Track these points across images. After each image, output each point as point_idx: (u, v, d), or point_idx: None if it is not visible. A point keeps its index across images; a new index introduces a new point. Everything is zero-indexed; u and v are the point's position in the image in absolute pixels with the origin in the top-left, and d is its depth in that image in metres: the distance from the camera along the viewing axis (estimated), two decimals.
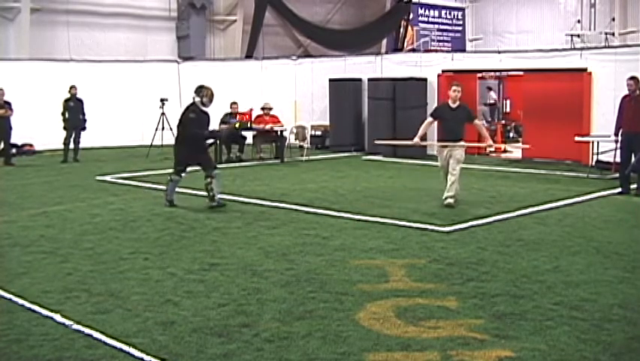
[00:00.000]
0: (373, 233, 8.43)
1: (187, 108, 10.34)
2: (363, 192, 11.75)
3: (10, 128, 15.71)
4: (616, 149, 12.18)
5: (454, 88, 10.49)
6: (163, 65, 21.04)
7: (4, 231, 8.70)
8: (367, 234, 8.39)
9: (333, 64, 19.96)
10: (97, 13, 21.44)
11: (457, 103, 10.39)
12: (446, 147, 10.44)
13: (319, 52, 23.89)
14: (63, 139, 16.29)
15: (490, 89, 20.38)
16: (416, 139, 10.77)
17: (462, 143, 10.46)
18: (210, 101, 10.22)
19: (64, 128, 16.23)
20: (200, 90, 10.20)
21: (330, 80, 18.95)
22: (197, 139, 10.23)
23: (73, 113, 16.20)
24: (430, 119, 10.85)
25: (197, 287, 6.25)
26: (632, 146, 11.38)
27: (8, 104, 15.58)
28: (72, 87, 16.37)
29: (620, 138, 11.62)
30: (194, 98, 10.23)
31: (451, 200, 10.19)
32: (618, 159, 12.09)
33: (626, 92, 11.63)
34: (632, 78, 11.46)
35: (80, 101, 16.36)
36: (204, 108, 10.20)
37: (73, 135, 16.29)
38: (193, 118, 10.09)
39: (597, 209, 10.05)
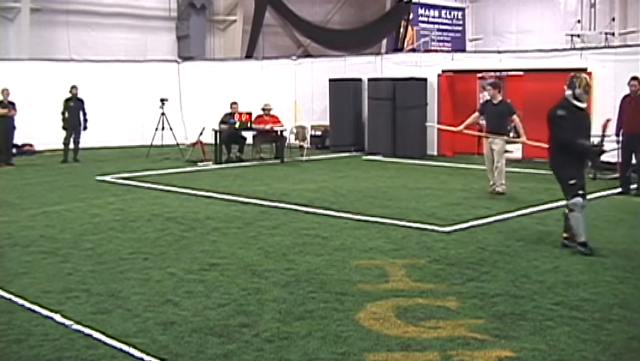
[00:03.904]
0: (373, 233, 8.43)
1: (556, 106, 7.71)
2: (363, 192, 11.75)
3: (14, 127, 15.81)
4: (617, 149, 12.16)
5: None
6: (163, 65, 21.04)
7: (4, 231, 8.70)
8: (367, 234, 8.39)
9: (333, 64, 19.95)
10: (97, 13, 21.43)
11: (499, 99, 11.77)
12: (487, 137, 11.68)
13: (319, 52, 23.87)
14: (63, 139, 16.31)
15: (484, 88, 20.35)
16: (461, 127, 12.18)
17: (504, 136, 11.75)
18: (585, 92, 7.59)
19: (64, 128, 16.25)
20: (572, 81, 7.66)
21: (330, 80, 18.94)
22: (563, 147, 7.56)
23: (73, 113, 16.24)
24: (476, 113, 12.11)
25: (197, 287, 6.25)
26: (632, 146, 11.37)
27: (12, 104, 15.69)
28: (73, 87, 16.42)
29: (620, 138, 11.61)
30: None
31: (498, 188, 11.41)
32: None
33: (627, 92, 11.62)
34: (635, 78, 11.44)
35: (81, 101, 16.39)
36: (580, 104, 7.57)
37: (73, 135, 16.32)
38: (560, 116, 7.54)
39: (597, 209, 10.04)
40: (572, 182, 7.51)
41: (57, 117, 16.29)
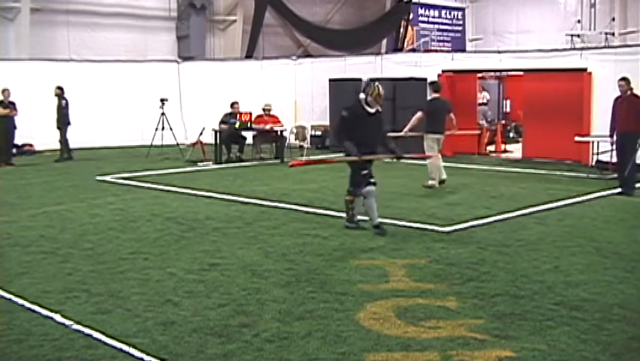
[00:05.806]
0: (373, 233, 8.42)
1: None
2: None
3: (15, 127, 15.85)
4: (612, 150, 12.17)
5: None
6: (163, 65, 21.03)
7: (4, 231, 8.70)
8: (367, 234, 8.38)
9: (333, 64, 19.95)
10: (97, 13, 21.42)
11: (432, 97, 12.38)
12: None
13: (319, 52, 23.87)
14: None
15: (483, 89, 20.39)
16: (405, 130, 12.30)
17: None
18: (376, 102, 8.29)
19: (58, 127, 16.51)
20: (367, 87, 8.37)
21: (330, 80, 18.94)
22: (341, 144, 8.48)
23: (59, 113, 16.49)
24: (419, 113, 12.25)
25: (197, 287, 6.25)
26: (625, 146, 11.37)
27: (12, 104, 15.73)
28: (55, 87, 16.59)
29: (614, 139, 11.62)
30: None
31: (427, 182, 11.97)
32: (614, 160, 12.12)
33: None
34: (623, 79, 11.47)
35: (64, 99, 16.51)
36: (369, 110, 8.32)
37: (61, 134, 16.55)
38: (342, 116, 8.42)
39: (597, 209, 10.05)
40: (363, 172, 8.35)
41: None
